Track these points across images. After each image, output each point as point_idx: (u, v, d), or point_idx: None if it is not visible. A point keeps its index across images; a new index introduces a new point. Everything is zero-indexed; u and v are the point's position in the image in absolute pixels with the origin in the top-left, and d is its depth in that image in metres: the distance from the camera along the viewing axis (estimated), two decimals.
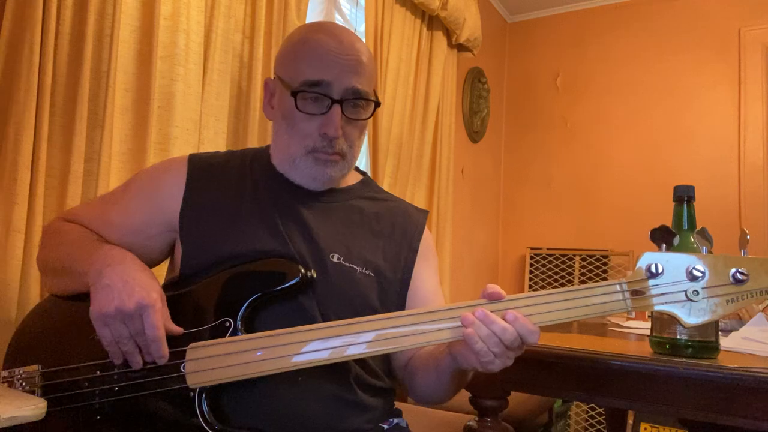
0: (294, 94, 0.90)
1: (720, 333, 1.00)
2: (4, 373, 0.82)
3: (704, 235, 0.78)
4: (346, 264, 0.91)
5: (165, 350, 0.77)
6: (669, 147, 3.19)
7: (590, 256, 3.26)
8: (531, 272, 3.43)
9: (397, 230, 1.00)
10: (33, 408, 0.64)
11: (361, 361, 0.89)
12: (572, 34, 3.55)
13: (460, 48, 2.94)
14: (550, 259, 3.38)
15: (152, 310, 0.76)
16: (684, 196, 1.03)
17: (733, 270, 0.71)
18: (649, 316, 1.40)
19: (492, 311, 0.72)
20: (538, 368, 1.07)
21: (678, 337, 0.97)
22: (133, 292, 0.76)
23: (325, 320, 0.84)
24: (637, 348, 1.06)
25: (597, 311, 0.74)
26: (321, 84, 0.90)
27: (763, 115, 3.00)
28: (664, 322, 0.99)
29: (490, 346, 0.71)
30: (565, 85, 3.54)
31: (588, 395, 1.04)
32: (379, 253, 0.96)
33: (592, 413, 3.10)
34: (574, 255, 3.31)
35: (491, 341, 0.71)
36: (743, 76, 3.04)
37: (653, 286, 0.73)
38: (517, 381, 1.10)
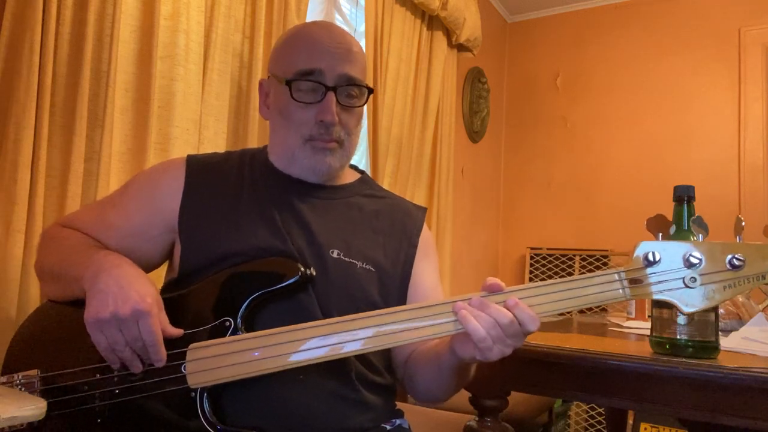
0: (288, 83, 0.91)
1: (720, 333, 1.00)
2: (3, 379, 0.81)
3: (700, 223, 0.78)
4: (346, 259, 0.91)
5: (163, 354, 0.77)
6: (669, 147, 3.19)
7: (590, 256, 3.27)
8: (531, 272, 3.43)
9: (396, 227, 1.00)
10: (33, 408, 0.64)
11: (363, 358, 0.89)
12: (572, 34, 3.55)
13: (460, 48, 2.94)
14: (550, 259, 3.38)
15: (148, 316, 0.76)
16: (684, 196, 1.03)
17: (730, 256, 0.72)
18: (649, 316, 1.40)
19: (493, 302, 0.73)
20: (538, 368, 1.07)
21: (678, 337, 0.97)
22: (129, 298, 0.75)
23: (326, 316, 0.84)
24: (637, 348, 1.06)
25: (596, 300, 0.74)
26: (314, 72, 0.91)
27: (763, 115, 3.00)
28: (664, 322, 0.99)
29: (487, 328, 0.71)
30: (565, 85, 3.54)
31: (588, 395, 1.04)
32: (379, 249, 0.96)
33: (592, 413, 3.10)
34: (574, 255, 3.31)
35: (487, 322, 0.71)
36: (743, 76, 3.04)
37: (651, 274, 0.74)
38: (517, 381, 1.10)
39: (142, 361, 0.78)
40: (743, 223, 0.76)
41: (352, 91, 0.94)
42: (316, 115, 0.92)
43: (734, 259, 0.71)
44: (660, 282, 0.73)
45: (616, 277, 0.74)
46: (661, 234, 0.77)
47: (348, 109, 0.95)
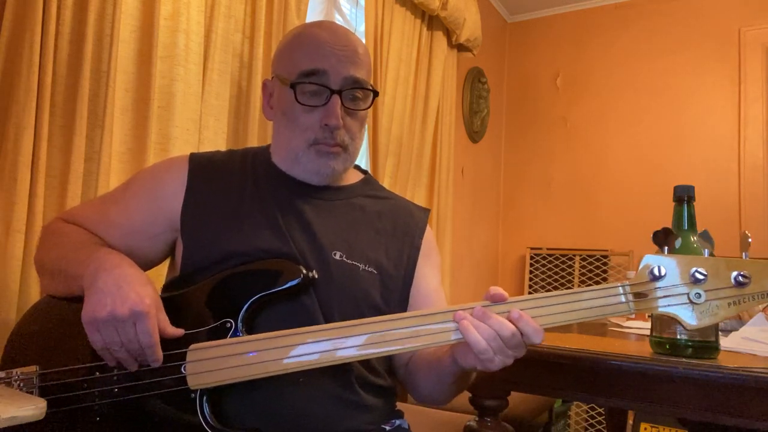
0: (293, 86, 0.91)
1: (720, 333, 1.00)
2: (1, 374, 0.81)
3: (706, 237, 0.78)
4: (349, 261, 0.91)
5: (159, 355, 0.77)
6: (669, 147, 3.19)
7: (590, 256, 3.26)
8: (531, 272, 3.43)
9: (399, 228, 1.00)
10: (33, 408, 0.63)
11: (363, 361, 0.89)
12: (572, 34, 3.55)
13: (460, 48, 2.94)
14: (550, 259, 3.38)
15: (145, 317, 0.75)
16: (684, 196, 1.03)
17: (735, 273, 0.72)
18: (649, 317, 1.41)
19: (496, 313, 0.72)
20: (538, 368, 1.07)
21: (678, 337, 0.97)
22: (127, 298, 0.75)
23: (327, 319, 0.84)
24: (637, 348, 1.06)
25: (599, 313, 0.74)
26: (318, 73, 0.90)
27: (763, 115, 3.00)
28: (664, 322, 0.99)
29: (488, 340, 0.70)
30: (565, 85, 3.54)
31: (588, 395, 1.04)
32: (382, 251, 0.96)
33: (592, 413, 3.10)
34: (574, 255, 3.31)
35: (488, 334, 0.70)
36: (743, 76, 3.04)
37: (656, 288, 0.73)
38: (517, 381, 1.10)
39: (137, 362, 0.78)
40: (750, 240, 0.75)
41: (357, 93, 0.93)
42: (320, 119, 0.91)
43: (740, 276, 0.71)
44: (665, 297, 0.73)
45: (621, 290, 0.74)
46: (666, 248, 0.77)
47: (352, 113, 0.93)
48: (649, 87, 3.27)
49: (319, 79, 0.90)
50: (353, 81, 0.92)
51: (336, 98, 0.90)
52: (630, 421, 2.24)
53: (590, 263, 3.25)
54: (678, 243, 0.77)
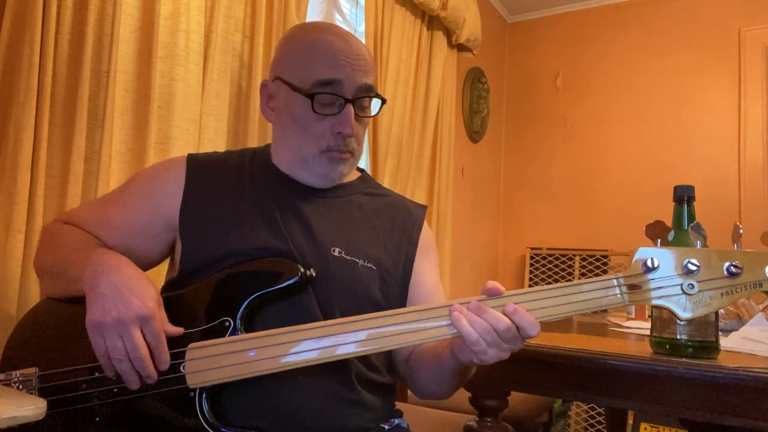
0: (311, 96, 0.91)
1: (720, 333, 1.00)
2: (1, 377, 0.81)
3: (698, 229, 0.79)
4: (348, 257, 0.91)
5: (166, 356, 0.77)
6: (669, 147, 3.19)
7: (590, 256, 3.26)
8: (531, 272, 3.43)
9: (396, 225, 1.01)
10: (33, 408, 0.63)
11: (363, 357, 0.89)
12: (572, 34, 3.55)
13: (460, 48, 2.94)
14: (550, 259, 3.38)
15: (152, 320, 0.76)
16: (684, 196, 1.03)
17: (727, 263, 0.72)
18: (649, 317, 1.41)
19: (491, 307, 0.73)
20: (538, 368, 1.07)
21: (678, 337, 0.97)
22: (131, 304, 0.75)
23: (327, 316, 0.85)
24: (637, 348, 1.06)
25: (595, 305, 0.74)
26: (333, 83, 0.91)
27: (763, 115, 3.00)
28: (664, 322, 1.00)
29: (480, 332, 0.71)
30: (565, 85, 3.54)
31: (588, 395, 1.04)
32: (380, 247, 0.96)
33: (592, 413, 3.10)
34: (574, 255, 3.31)
35: (481, 327, 0.71)
36: (743, 76, 3.04)
37: (649, 280, 0.74)
38: (517, 381, 1.10)
39: (138, 375, 0.77)
40: (741, 231, 0.76)
41: (365, 102, 0.95)
42: (332, 126, 0.92)
43: (732, 267, 0.72)
44: (658, 288, 0.74)
45: (615, 282, 0.75)
46: (660, 240, 0.77)
47: (360, 119, 0.95)
48: (649, 87, 3.27)
49: (334, 89, 0.91)
50: (366, 89, 0.94)
51: (349, 107, 0.92)
52: (630, 421, 2.24)
53: (590, 263, 3.26)
54: (671, 236, 0.77)
